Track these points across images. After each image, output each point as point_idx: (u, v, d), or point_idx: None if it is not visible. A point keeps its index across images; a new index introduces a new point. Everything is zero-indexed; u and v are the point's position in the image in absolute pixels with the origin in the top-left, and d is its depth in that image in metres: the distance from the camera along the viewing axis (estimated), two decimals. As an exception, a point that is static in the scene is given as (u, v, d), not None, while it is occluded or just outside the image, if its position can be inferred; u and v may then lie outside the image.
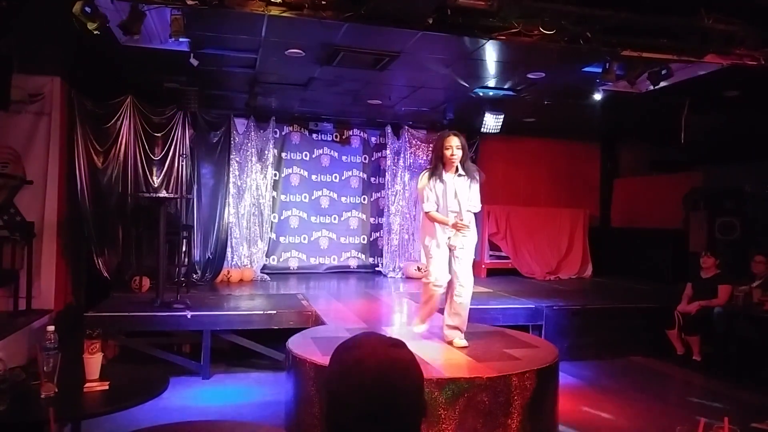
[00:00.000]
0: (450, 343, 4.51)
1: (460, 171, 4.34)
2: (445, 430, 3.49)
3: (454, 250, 4.41)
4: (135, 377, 3.21)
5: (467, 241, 4.41)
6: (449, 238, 4.39)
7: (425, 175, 4.43)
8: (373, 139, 9.70)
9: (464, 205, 4.34)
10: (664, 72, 5.41)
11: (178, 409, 4.51)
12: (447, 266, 4.45)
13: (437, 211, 4.34)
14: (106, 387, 2.85)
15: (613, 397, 5.36)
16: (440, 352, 4.39)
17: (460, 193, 4.33)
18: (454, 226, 4.26)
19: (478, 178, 4.42)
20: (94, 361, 2.89)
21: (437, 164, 4.35)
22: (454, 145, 4.27)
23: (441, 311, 4.75)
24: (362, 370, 1.16)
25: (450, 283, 4.48)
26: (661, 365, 6.40)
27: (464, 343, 4.49)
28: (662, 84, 5.58)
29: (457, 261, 4.43)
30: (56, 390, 2.67)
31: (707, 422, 1.72)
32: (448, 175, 4.34)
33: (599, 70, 5.48)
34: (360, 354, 1.20)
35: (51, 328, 2.77)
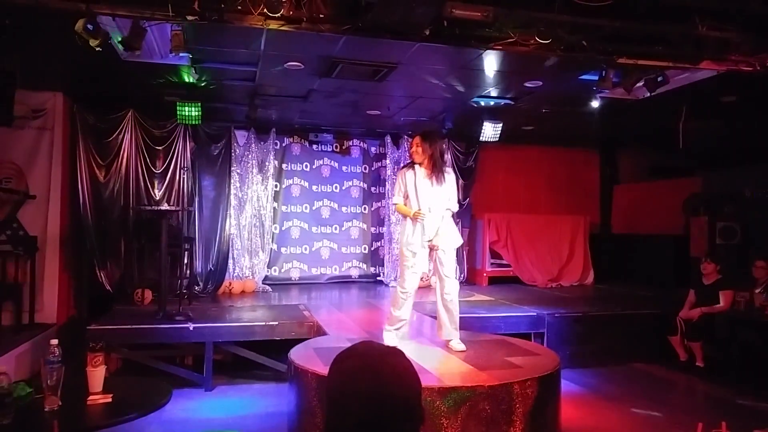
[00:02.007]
0: (447, 342, 4.70)
1: (431, 169, 4.60)
2: (447, 438, 3.50)
3: (437, 251, 4.63)
4: (138, 389, 3.23)
5: (448, 242, 4.65)
6: (430, 240, 4.60)
7: (399, 174, 4.79)
8: (372, 149, 9.74)
9: (437, 203, 4.58)
10: (660, 79, 5.44)
11: (181, 421, 4.53)
12: (419, 275, 4.75)
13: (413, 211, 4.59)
14: (110, 399, 2.88)
15: (616, 405, 5.36)
16: (442, 361, 4.40)
17: (431, 189, 4.59)
18: (415, 215, 4.54)
19: (446, 176, 4.64)
20: (97, 374, 2.91)
21: (411, 163, 4.70)
22: (416, 143, 4.61)
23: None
24: (360, 378, 1.19)
25: (438, 285, 4.76)
26: (664, 372, 6.40)
27: (462, 347, 4.64)
28: (659, 90, 5.61)
29: (439, 261, 4.66)
30: (60, 403, 2.70)
31: (705, 426, 1.74)
32: (420, 172, 4.62)
33: (596, 77, 5.52)
34: (358, 362, 1.23)
35: (54, 341, 2.80)
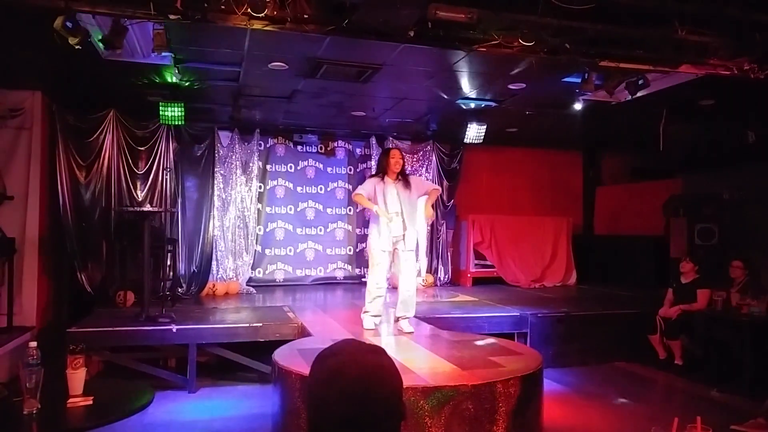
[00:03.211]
0: (398, 319, 5.39)
1: (400, 177, 5.30)
2: (431, 438, 3.51)
3: (403, 252, 5.27)
4: (119, 392, 3.20)
5: (411, 244, 5.28)
6: (396, 240, 5.24)
7: (370, 178, 5.48)
8: (357, 150, 9.74)
9: (402, 208, 5.21)
10: (640, 82, 5.51)
11: (164, 424, 4.49)
12: (388, 271, 5.46)
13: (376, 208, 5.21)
14: (90, 402, 2.84)
15: (597, 403, 5.42)
16: (425, 360, 4.42)
17: (401, 194, 5.24)
18: (379, 212, 5.16)
19: (410, 180, 5.37)
20: (77, 377, 2.88)
21: (381, 172, 5.33)
22: (395, 157, 5.27)
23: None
24: (343, 376, 1.19)
25: (400, 278, 5.38)
26: (644, 370, 6.49)
27: (411, 328, 5.37)
28: (640, 93, 5.68)
29: (403, 260, 5.30)
30: (39, 406, 2.66)
31: (680, 422, 1.76)
32: (389, 180, 5.26)
33: (579, 80, 5.57)
34: (340, 360, 1.23)
35: (33, 344, 2.76)
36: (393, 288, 7.31)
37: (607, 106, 6.72)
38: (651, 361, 6.56)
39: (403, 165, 5.33)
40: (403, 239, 5.25)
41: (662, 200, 9.07)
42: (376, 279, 5.37)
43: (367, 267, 9.62)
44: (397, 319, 5.44)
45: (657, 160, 9.17)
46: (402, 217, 5.23)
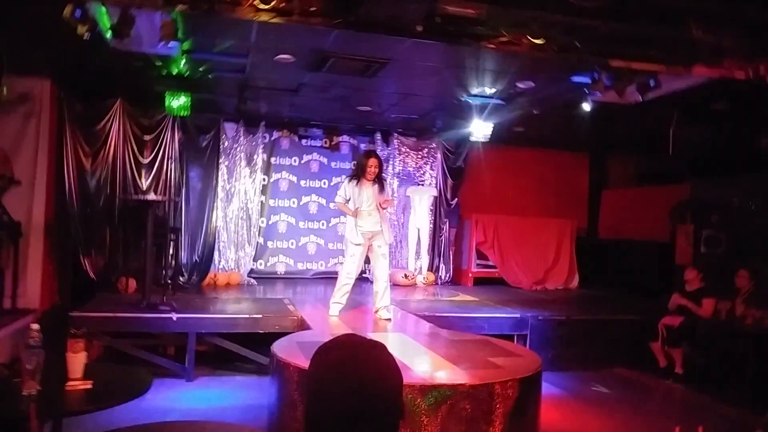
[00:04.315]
0: (377, 311, 5.92)
1: (375, 180, 5.81)
2: (427, 435, 3.50)
3: (379, 247, 5.82)
4: (118, 377, 3.21)
5: (385, 239, 5.86)
6: (372, 235, 5.79)
7: (347, 180, 5.93)
8: (362, 145, 9.69)
9: (375, 207, 5.76)
10: (652, 83, 5.45)
11: (161, 411, 4.49)
12: (361, 263, 6.01)
13: (353, 209, 5.77)
14: (89, 386, 2.85)
15: (596, 408, 5.40)
16: (423, 358, 4.42)
17: (376, 195, 5.77)
18: (355, 212, 5.73)
19: (384, 186, 5.94)
20: (77, 360, 2.89)
21: (358, 174, 5.81)
22: (371, 164, 5.75)
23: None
24: (342, 371, 1.18)
25: (374, 272, 5.99)
26: (644, 377, 6.44)
27: (389, 315, 5.93)
28: (651, 95, 5.62)
29: (377, 256, 5.89)
30: (38, 388, 2.65)
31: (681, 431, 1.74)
32: (365, 183, 5.76)
33: (588, 80, 5.53)
34: (340, 355, 1.22)
35: (35, 326, 2.76)
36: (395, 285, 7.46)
37: (616, 107, 6.67)
38: (651, 369, 6.50)
39: (380, 171, 5.84)
40: (380, 235, 5.81)
41: (669, 206, 8.99)
42: (347, 269, 5.94)
43: (368, 262, 9.67)
44: (377, 310, 5.93)
45: (665, 165, 9.09)
46: (379, 214, 5.77)
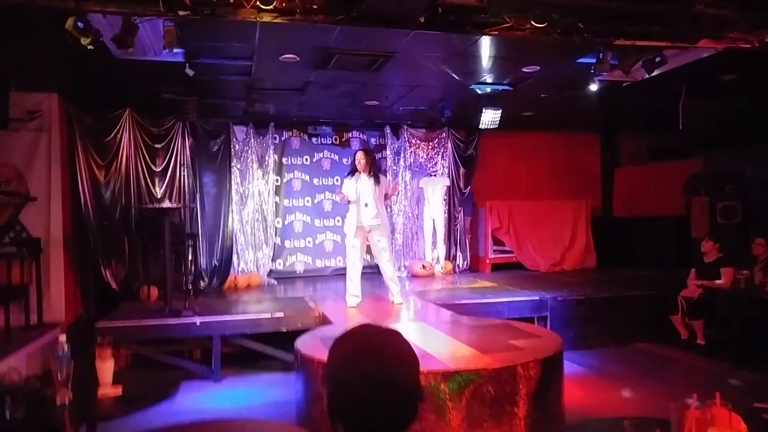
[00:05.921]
0: (392, 303, 6.39)
1: (369, 174, 6.12)
2: (452, 420, 3.55)
3: (378, 240, 6.16)
4: (147, 381, 3.30)
5: (383, 230, 6.19)
6: (370, 228, 6.11)
7: (346, 176, 6.32)
8: (372, 140, 9.73)
9: (374, 199, 6.05)
10: (658, 59, 5.41)
11: (191, 412, 4.57)
12: (362, 253, 6.40)
13: (348, 199, 6.16)
14: (119, 392, 2.92)
15: (619, 384, 5.40)
16: (445, 345, 4.45)
17: (373, 188, 6.06)
18: (342, 198, 6.21)
19: (380, 178, 6.25)
20: (106, 367, 2.96)
21: (353, 170, 6.20)
22: (359, 158, 6.13)
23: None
24: (362, 359, 1.21)
25: (380, 265, 6.40)
26: (666, 350, 6.45)
27: (400, 299, 6.44)
28: (657, 71, 5.58)
29: (377, 250, 6.28)
30: (71, 396, 2.74)
31: (699, 398, 1.76)
32: (362, 177, 6.11)
33: (593, 60, 5.51)
34: (358, 344, 1.25)
35: (62, 337, 2.83)
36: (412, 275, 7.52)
37: (623, 85, 6.63)
38: (673, 341, 6.51)
39: (371, 164, 6.17)
40: (378, 228, 6.12)
41: (682, 180, 8.94)
42: (351, 260, 6.37)
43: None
44: (392, 301, 6.41)
45: (676, 140, 9.04)
46: (376, 208, 6.05)
